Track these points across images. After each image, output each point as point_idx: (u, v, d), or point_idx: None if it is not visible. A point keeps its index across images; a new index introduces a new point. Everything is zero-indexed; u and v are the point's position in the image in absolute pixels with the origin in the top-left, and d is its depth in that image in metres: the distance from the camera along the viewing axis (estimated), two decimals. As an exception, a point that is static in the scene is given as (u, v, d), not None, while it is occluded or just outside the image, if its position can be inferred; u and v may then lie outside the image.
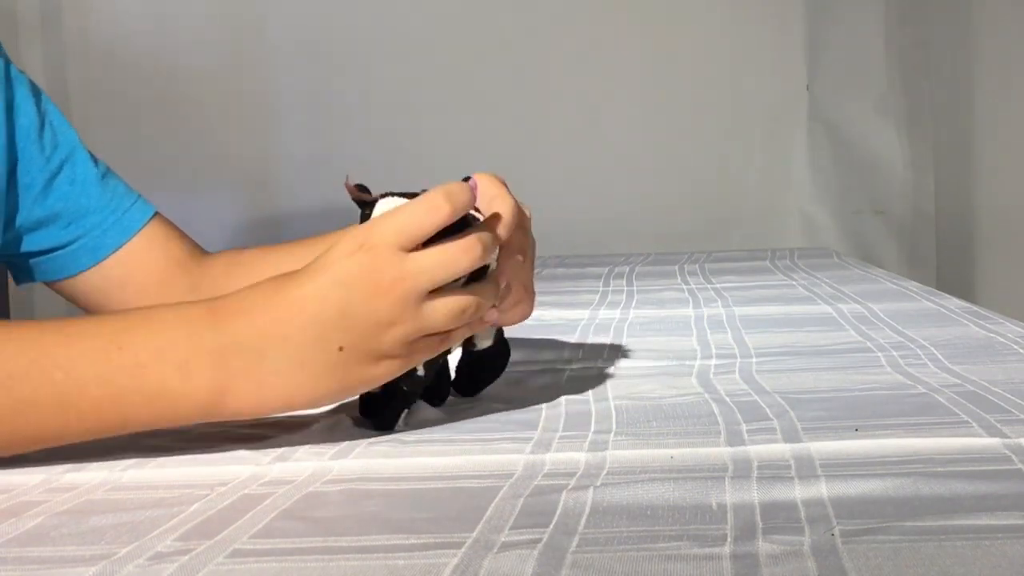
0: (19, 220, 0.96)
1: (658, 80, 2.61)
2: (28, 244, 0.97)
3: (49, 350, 0.66)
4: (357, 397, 0.74)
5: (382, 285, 0.67)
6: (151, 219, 1.02)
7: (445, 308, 0.69)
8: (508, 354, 0.83)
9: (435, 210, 0.68)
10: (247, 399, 0.67)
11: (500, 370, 0.83)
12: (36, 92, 1.01)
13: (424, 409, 0.79)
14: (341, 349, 0.67)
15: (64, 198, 0.98)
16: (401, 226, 0.68)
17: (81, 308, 1.01)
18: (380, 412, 0.75)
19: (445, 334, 0.71)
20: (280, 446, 0.70)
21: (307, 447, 0.70)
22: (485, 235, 0.70)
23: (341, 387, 0.69)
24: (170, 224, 1.04)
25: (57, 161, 0.99)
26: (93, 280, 0.99)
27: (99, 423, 0.67)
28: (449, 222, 0.69)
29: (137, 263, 1.00)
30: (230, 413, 0.68)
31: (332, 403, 0.72)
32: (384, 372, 0.69)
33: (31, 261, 0.99)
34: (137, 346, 0.66)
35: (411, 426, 0.75)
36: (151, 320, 0.68)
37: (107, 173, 1.02)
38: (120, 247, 1.00)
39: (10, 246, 0.97)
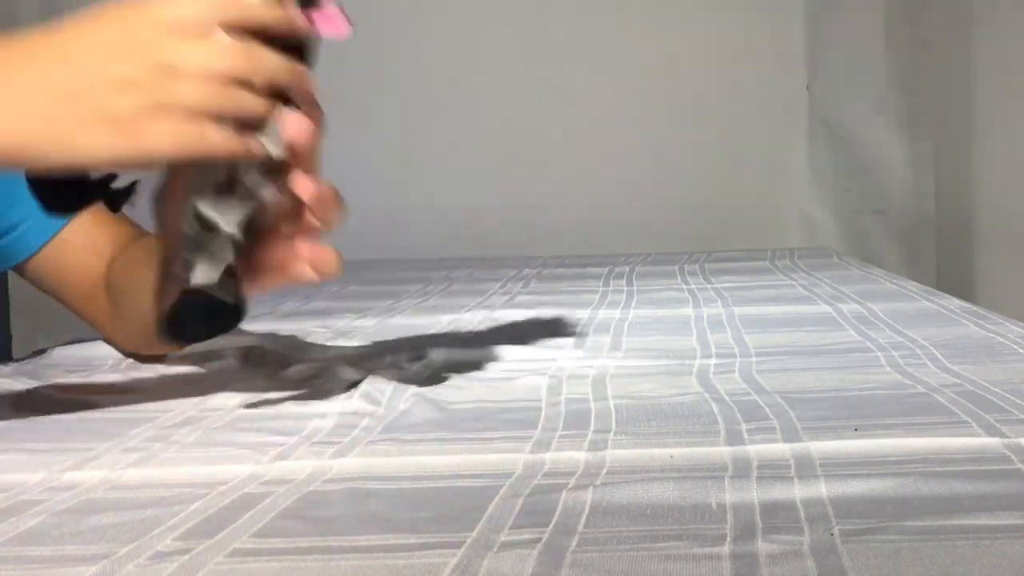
0: None
1: (658, 80, 2.61)
2: None
3: None
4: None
5: (128, 43, 0.62)
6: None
7: (195, 78, 0.62)
8: (240, 310, 0.71)
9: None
10: None
11: (223, 324, 0.72)
12: None
13: (424, 409, 0.79)
14: (70, 93, 0.62)
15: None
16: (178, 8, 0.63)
17: (46, 293, 1.00)
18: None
19: (197, 114, 0.63)
20: (280, 445, 0.70)
21: (307, 446, 0.70)
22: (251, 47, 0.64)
23: (61, 139, 0.62)
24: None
25: None
26: (49, 261, 0.97)
27: None
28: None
29: (85, 240, 0.97)
30: None
31: (57, 156, 0.63)
32: (105, 140, 0.62)
33: None
34: None
35: (411, 426, 0.75)
36: None
37: None
38: (62, 228, 0.96)
39: None
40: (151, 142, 0.62)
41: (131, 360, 1.04)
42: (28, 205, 0.96)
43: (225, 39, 0.64)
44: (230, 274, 0.68)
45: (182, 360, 1.04)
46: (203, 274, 0.68)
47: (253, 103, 0.65)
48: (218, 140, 0.63)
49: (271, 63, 0.65)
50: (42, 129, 0.62)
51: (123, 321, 0.97)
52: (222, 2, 0.64)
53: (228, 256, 0.68)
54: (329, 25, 0.68)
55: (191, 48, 0.63)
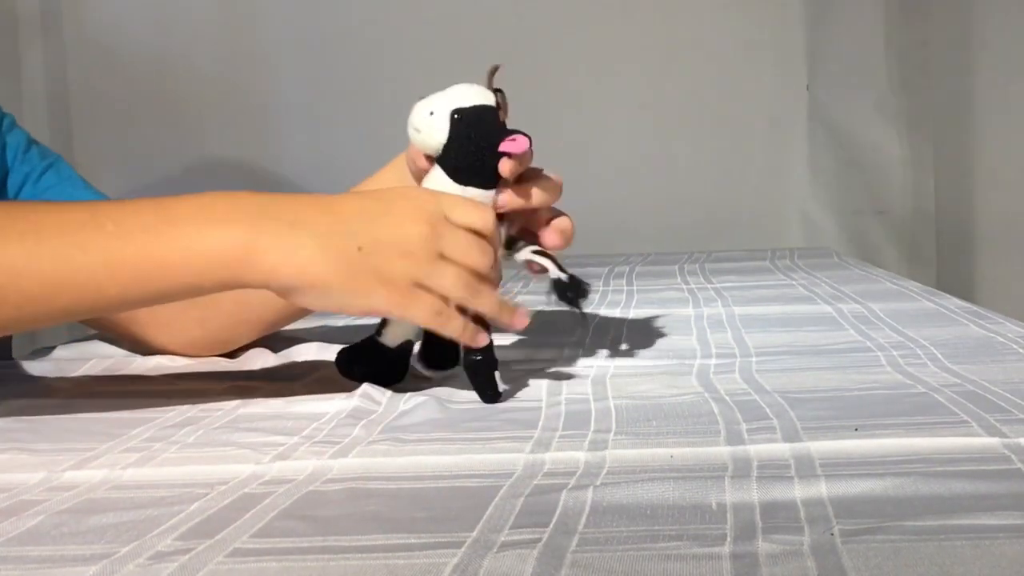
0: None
1: (658, 80, 2.61)
2: None
3: (101, 210, 0.76)
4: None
5: (418, 215, 0.75)
6: None
7: (455, 270, 0.76)
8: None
9: (485, 218, 0.78)
10: (270, 259, 0.73)
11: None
12: (18, 124, 1.07)
13: (424, 409, 0.79)
14: (360, 249, 0.74)
15: (52, 189, 1.03)
16: (455, 206, 0.77)
17: None
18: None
19: (444, 301, 0.76)
20: (280, 445, 0.70)
21: (307, 446, 0.70)
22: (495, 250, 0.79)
23: (345, 283, 0.74)
24: None
25: (43, 166, 1.04)
26: None
27: (138, 280, 0.74)
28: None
29: None
30: (252, 269, 0.74)
31: (331, 294, 0.75)
32: (381, 298, 0.75)
33: None
34: (182, 206, 0.75)
35: (411, 426, 0.75)
36: (198, 195, 0.76)
37: (88, 185, 1.06)
38: None
39: None
40: (410, 310, 0.77)
41: (134, 361, 1.04)
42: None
43: (489, 248, 0.78)
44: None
45: (185, 360, 1.04)
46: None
47: (490, 303, 0.79)
48: (458, 327, 0.78)
49: (494, 261, 0.80)
50: (333, 276, 0.74)
51: (203, 326, 1.02)
52: (482, 216, 0.79)
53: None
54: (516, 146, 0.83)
55: (467, 245, 0.77)
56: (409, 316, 0.78)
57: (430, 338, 0.86)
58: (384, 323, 0.85)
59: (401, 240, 0.75)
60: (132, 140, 2.50)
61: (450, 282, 0.76)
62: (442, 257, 0.76)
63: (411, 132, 0.84)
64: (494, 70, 0.84)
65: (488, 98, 0.85)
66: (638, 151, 2.60)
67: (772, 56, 2.59)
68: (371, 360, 0.86)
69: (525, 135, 0.83)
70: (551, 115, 2.59)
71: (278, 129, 2.61)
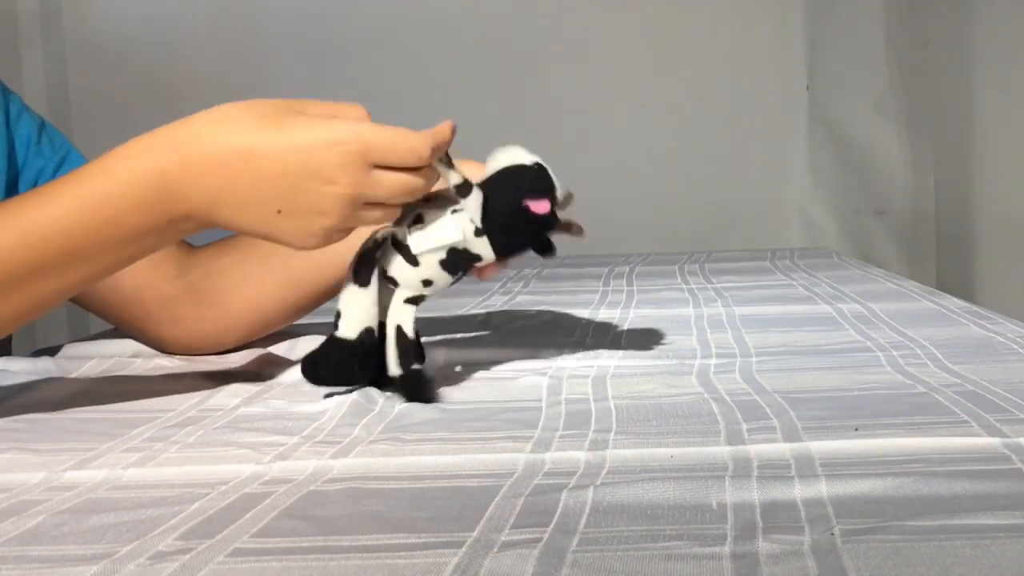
0: None
1: (658, 80, 2.61)
2: None
3: (38, 218, 0.77)
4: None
5: (342, 174, 0.75)
6: None
7: (375, 214, 0.77)
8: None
9: (414, 152, 0.76)
10: (205, 219, 0.78)
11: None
12: (28, 108, 1.07)
13: (424, 409, 0.79)
14: (279, 213, 0.76)
15: None
16: (384, 149, 0.76)
17: (81, 299, 1.02)
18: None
19: (386, 207, 0.78)
20: (280, 445, 0.70)
21: (307, 446, 0.70)
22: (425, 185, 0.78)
23: (268, 235, 0.78)
24: None
25: (57, 159, 1.05)
26: None
27: (98, 265, 0.78)
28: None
29: None
30: (193, 228, 0.79)
31: (261, 239, 0.80)
32: (300, 245, 0.78)
33: None
34: (108, 188, 0.77)
35: (411, 426, 0.75)
36: (124, 161, 0.79)
37: None
38: None
39: None
40: (333, 247, 0.80)
41: (135, 361, 1.04)
42: None
43: (417, 183, 0.77)
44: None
45: (185, 360, 1.04)
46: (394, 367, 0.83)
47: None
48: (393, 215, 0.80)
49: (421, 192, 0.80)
50: (257, 229, 0.78)
51: (206, 322, 1.03)
52: (413, 150, 0.77)
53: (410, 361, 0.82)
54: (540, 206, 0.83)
55: (391, 194, 0.77)
56: (328, 247, 0.80)
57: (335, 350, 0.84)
58: (338, 315, 0.83)
59: (320, 203, 0.75)
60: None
61: (365, 223, 0.78)
62: (364, 204, 0.77)
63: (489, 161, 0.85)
64: (568, 196, 0.87)
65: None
66: (638, 151, 2.60)
67: (772, 56, 2.59)
68: (334, 359, 0.83)
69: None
70: (551, 115, 2.59)
71: (278, 129, 2.61)
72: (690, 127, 2.60)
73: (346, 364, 0.83)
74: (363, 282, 0.82)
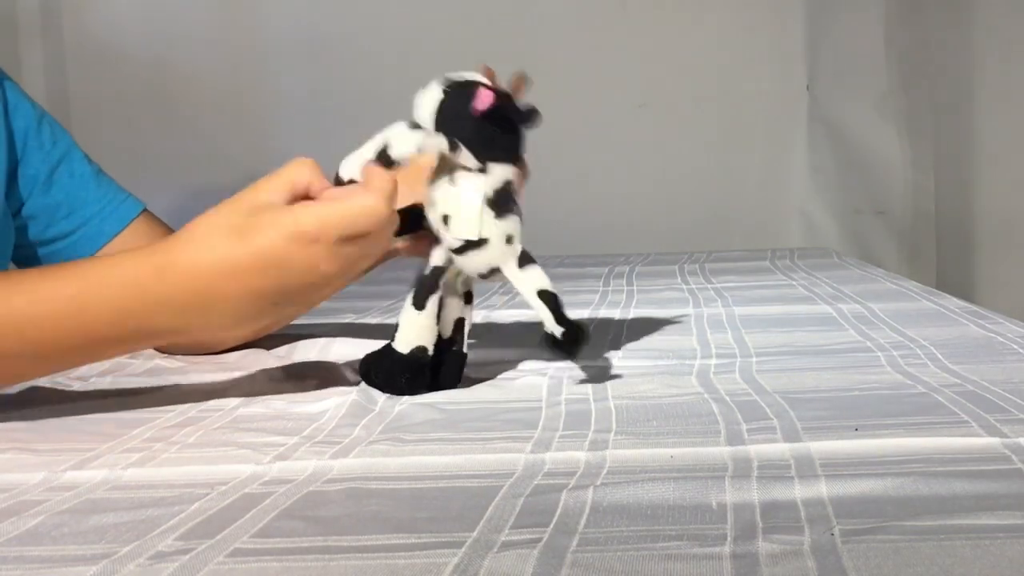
0: (25, 210, 1.02)
1: (658, 80, 2.61)
2: (34, 233, 1.02)
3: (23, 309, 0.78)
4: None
5: (314, 258, 0.75)
6: (142, 213, 1.07)
7: (359, 268, 0.80)
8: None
9: (374, 215, 0.76)
10: (195, 338, 0.82)
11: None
12: (27, 96, 1.07)
13: (424, 409, 0.79)
14: (275, 305, 0.77)
15: (65, 189, 1.04)
16: (344, 227, 0.76)
17: None
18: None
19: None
20: (280, 445, 0.70)
21: (307, 446, 0.70)
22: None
23: (273, 324, 0.84)
24: (158, 220, 1.09)
25: (56, 156, 1.05)
26: None
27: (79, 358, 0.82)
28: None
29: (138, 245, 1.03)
30: (182, 343, 0.83)
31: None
32: (307, 309, 0.82)
33: (38, 252, 1.04)
34: (98, 306, 0.77)
35: (411, 426, 0.75)
36: (109, 278, 0.78)
37: (99, 172, 1.08)
38: (116, 236, 1.05)
39: (18, 235, 1.02)
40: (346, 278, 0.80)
41: (134, 361, 1.04)
42: (90, 210, 1.04)
43: (381, 240, 0.78)
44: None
45: (185, 360, 1.04)
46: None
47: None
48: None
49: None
50: (258, 326, 0.81)
51: None
52: (376, 206, 0.77)
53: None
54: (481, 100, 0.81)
55: (364, 256, 0.78)
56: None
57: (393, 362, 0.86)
58: (397, 326, 0.84)
59: (309, 283, 0.77)
60: (132, 140, 2.50)
61: (364, 266, 0.80)
62: (346, 268, 0.78)
63: (415, 112, 0.83)
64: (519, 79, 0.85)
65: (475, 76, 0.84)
66: (638, 151, 2.60)
67: (772, 56, 2.59)
68: (385, 366, 0.85)
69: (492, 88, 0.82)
70: (551, 115, 2.59)
71: (278, 129, 2.61)
72: (690, 127, 2.60)
73: (395, 375, 0.84)
74: (419, 306, 0.83)
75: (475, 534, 0.51)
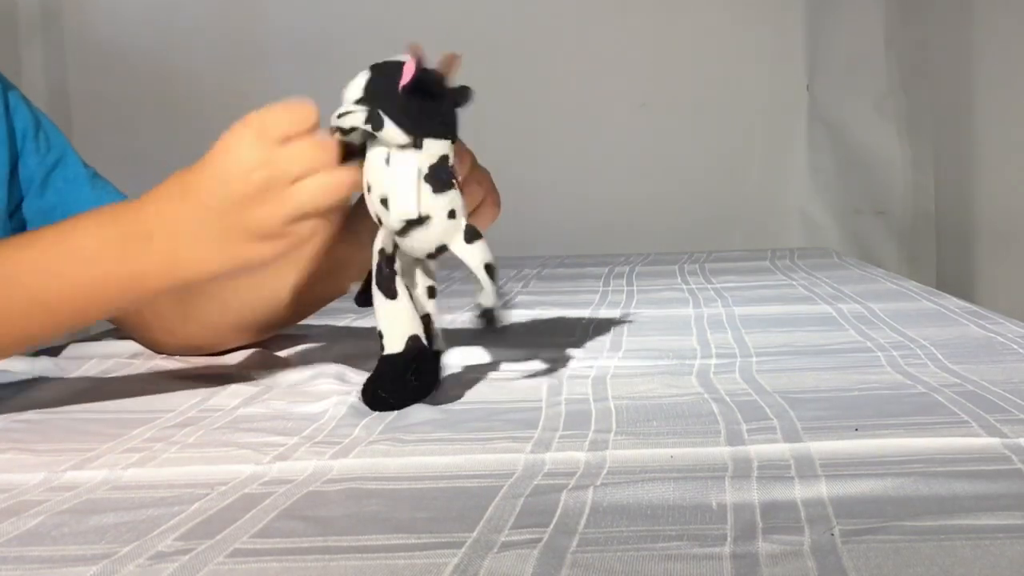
0: (23, 210, 1.02)
1: (658, 80, 2.61)
2: None
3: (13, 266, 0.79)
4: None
5: (250, 165, 0.75)
6: None
7: (313, 184, 0.76)
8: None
9: (302, 117, 0.76)
10: (160, 283, 0.79)
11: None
12: (26, 99, 1.06)
13: (424, 409, 0.79)
14: (226, 225, 0.76)
15: (60, 193, 1.03)
16: (271, 116, 0.77)
17: None
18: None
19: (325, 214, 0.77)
20: (280, 445, 0.70)
21: (307, 446, 0.70)
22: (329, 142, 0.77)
23: (234, 257, 0.78)
24: None
25: (52, 160, 1.04)
26: None
27: (68, 315, 0.81)
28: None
29: None
30: (149, 294, 0.81)
31: (237, 271, 0.79)
32: (271, 250, 0.77)
33: None
34: (82, 250, 0.79)
35: (411, 426, 0.75)
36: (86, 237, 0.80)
37: (95, 175, 1.07)
38: None
39: (16, 233, 1.01)
40: (299, 239, 0.77)
41: (134, 362, 1.04)
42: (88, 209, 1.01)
43: (320, 143, 0.76)
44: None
45: (185, 360, 1.04)
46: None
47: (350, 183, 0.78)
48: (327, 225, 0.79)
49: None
50: (220, 255, 0.78)
51: (191, 320, 1.02)
52: (302, 113, 0.77)
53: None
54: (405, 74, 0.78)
55: (304, 158, 0.76)
56: (301, 250, 0.81)
57: (368, 282, 0.84)
58: (380, 335, 0.81)
59: (250, 193, 0.75)
60: (132, 140, 2.50)
61: (309, 198, 0.76)
62: (294, 180, 0.76)
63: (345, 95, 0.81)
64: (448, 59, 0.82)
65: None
66: (638, 151, 2.61)
67: (772, 56, 2.59)
68: (388, 378, 0.81)
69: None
70: (551, 115, 2.59)
71: (278, 129, 2.61)
72: (690, 127, 2.60)
73: (401, 379, 0.81)
74: (390, 295, 0.80)
75: (475, 534, 0.51)
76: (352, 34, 2.59)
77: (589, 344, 1.05)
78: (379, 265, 0.80)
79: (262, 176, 0.75)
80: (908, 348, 0.96)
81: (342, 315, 1.29)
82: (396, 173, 0.78)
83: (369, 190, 0.79)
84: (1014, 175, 2.18)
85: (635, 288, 1.51)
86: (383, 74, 0.79)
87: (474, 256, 0.80)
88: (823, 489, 0.56)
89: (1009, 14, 2.15)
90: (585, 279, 1.63)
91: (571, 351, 1.01)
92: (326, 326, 1.19)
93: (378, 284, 0.81)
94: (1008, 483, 0.57)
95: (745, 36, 2.60)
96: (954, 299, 1.27)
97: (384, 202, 0.78)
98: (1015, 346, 0.96)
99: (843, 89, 2.52)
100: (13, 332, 0.81)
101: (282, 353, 1.04)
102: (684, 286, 1.52)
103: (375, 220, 0.79)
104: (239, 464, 0.66)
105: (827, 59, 2.55)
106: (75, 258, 0.79)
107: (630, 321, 1.20)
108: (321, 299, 1.03)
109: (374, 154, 0.78)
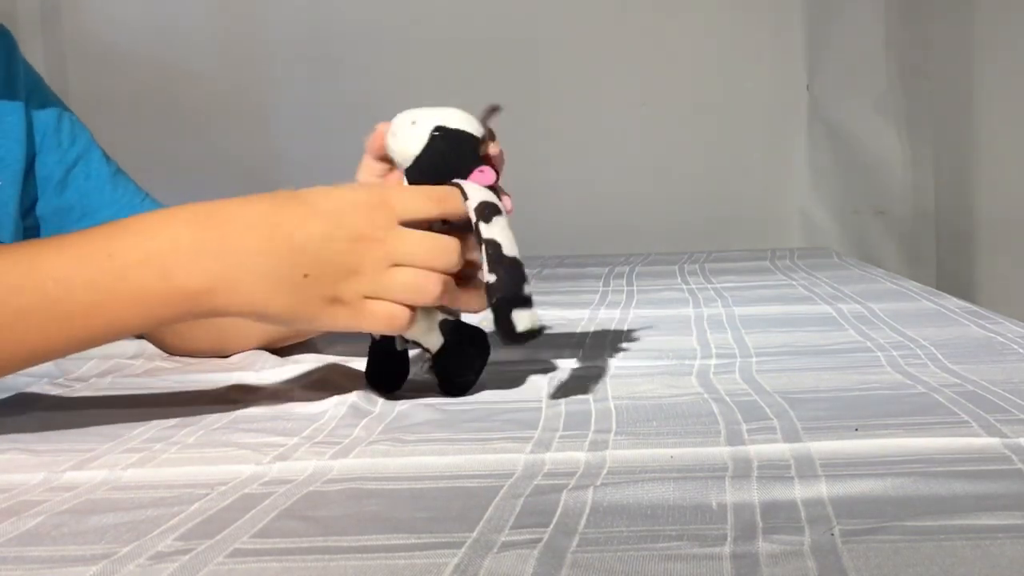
0: (38, 209, 1.01)
1: (658, 80, 2.61)
2: (46, 235, 1.01)
3: (42, 262, 0.72)
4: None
5: (367, 230, 0.73)
6: None
7: (404, 277, 0.74)
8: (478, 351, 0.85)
9: (443, 203, 0.76)
10: (222, 300, 0.73)
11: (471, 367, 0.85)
12: (51, 93, 1.05)
13: (424, 409, 0.79)
14: (305, 276, 0.73)
15: (79, 191, 1.02)
16: (410, 203, 0.74)
17: None
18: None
19: (401, 305, 0.75)
20: (280, 445, 0.70)
21: (307, 446, 0.70)
22: (458, 244, 0.76)
23: (293, 310, 0.74)
24: None
25: (73, 155, 1.03)
26: None
27: (87, 329, 0.73)
28: (448, 218, 0.76)
29: None
30: (206, 312, 0.74)
31: (283, 320, 0.76)
32: (330, 318, 0.75)
33: None
34: (125, 252, 0.72)
35: (411, 426, 0.75)
36: (139, 227, 0.74)
37: (118, 172, 1.06)
38: None
39: (29, 235, 1.00)
40: (362, 324, 0.76)
41: (135, 362, 1.04)
42: (104, 214, 1.02)
43: (447, 243, 0.76)
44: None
45: (185, 360, 1.04)
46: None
47: (447, 297, 0.77)
48: (413, 320, 0.77)
49: (457, 256, 0.77)
50: (280, 307, 0.74)
51: (204, 326, 1.02)
52: (438, 200, 0.77)
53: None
54: (483, 178, 0.80)
55: (422, 250, 0.75)
56: (364, 329, 0.77)
57: (375, 356, 0.84)
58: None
59: (349, 261, 0.74)
60: (132, 140, 2.50)
61: (400, 289, 0.75)
62: (395, 265, 0.74)
63: (388, 137, 0.82)
64: (492, 109, 0.82)
65: (475, 128, 0.81)
66: (638, 151, 2.61)
67: (772, 56, 2.59)
68: (375, 362, 0.85)
69: (495, 169, 0.80)
70: (551, 115, 2.59)
71: (278, 129, 2.61)
72: (690, 127, 2.60)
73: (386, 362, 0.84)
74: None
75: (475, 534, 0.51)
76: (352, 34, 2.59)
77: (589, 344, 1.05)
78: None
79: (370, 250, 0.74)
80: (908, 348, 0.96)
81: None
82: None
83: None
84: (1014, 175, 2.18)
85: (635, 288, 1.51)
86: (450, 143, 0.80)
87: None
88: (823, 489, 0.56)
89: (1009, 14, 2.15)
90: (585, 279, 1.63)
91: (571, 351, 1.01)
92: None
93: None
94: (1008, 483, 0.57)
95: (745, 36, 2.60)
96: (954, 299, 1.27)
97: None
98: (1015, 346, 0.96)
99: (843, 89, 2.52)
100: (31, 339, 0.75)
101: (282, 353, 1.04)
102: (684, 286, 1.52)
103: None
104: (239, 464, 0.66)
105: (827, 59, 2.55)
106: (113, 271, 0.73)
107: (630, 321, 1.20)
108: None
109: None
